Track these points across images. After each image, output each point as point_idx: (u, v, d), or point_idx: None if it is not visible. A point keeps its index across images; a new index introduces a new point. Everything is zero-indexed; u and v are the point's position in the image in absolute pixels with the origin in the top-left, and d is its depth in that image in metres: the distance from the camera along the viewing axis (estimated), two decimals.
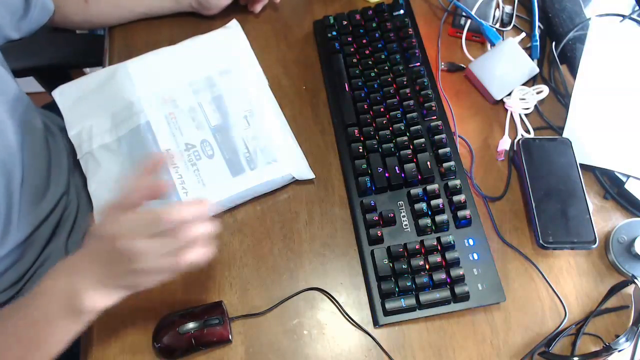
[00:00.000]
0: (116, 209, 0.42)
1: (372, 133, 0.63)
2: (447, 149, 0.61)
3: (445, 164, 0.61)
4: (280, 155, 0.61)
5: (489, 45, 0.72)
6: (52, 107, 0.65)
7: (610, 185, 0.63)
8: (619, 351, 0.52)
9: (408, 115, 0.64)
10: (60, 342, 0.45)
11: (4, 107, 0.58)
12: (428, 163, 0.61)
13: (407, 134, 0.63)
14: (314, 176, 0.62)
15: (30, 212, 0.62)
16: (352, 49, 0.69)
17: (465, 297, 0.55)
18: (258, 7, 0.73)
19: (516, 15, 0.73)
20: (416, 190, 0.59)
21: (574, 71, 0.69)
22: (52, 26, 0.71)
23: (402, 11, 0.71)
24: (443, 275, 0.55)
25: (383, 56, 0.67)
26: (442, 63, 0.71)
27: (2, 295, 0.61)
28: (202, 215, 0.42)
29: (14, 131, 0.59)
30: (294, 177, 0.61)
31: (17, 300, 0.46)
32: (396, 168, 0.61)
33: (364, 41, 0.69)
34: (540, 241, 0.58)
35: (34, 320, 0.45)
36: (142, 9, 0.71)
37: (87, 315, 0.44)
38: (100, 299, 0.43)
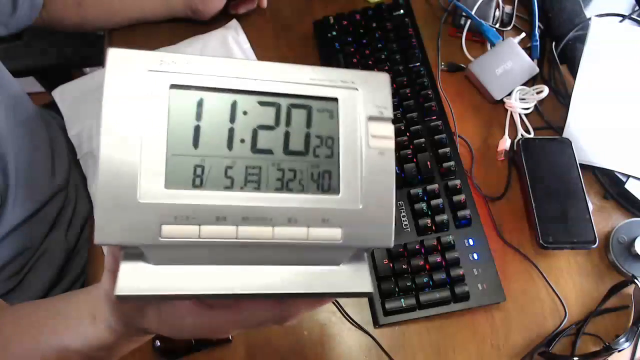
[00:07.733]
0: None
1: None
2: (447, 149, 0.61)
3: (445, 164, 0.61)
4: None
5: (489, 45, 0.72)
6: (51, 107, 0.64)
7: (611, 185, 0.63)
8: (619, 351, 0.52)
9: (408, 115, 0.64)
10: None
11: None
12: (428, 163, 0.60)
13: (407, 134, 0.63)
14: None
15: (28, 197, 0.61)
16: (352, 49, 0.69)
17: (465, 297, 0.55)
18: (241, 10, 0.72)
19: (516, 15, 0.73)
20: (416, 190, 0.59)
21: (574, 71, 0.69)
22: (44, 27, 0.71)
23: (402, 11, 0.71)
24: (443, 275, 0.55)
25: (383, 56, 0.67)
26: (442, 63, 0.71)
27: (2, 285, 0.62)
28: None
29: (2, 117, 0.58)
30: None
31: None
32: (396, 168, 0.61)
33: (364, 41, 0.69)
34: (541, 241, 0.58)
35: None
36: (135, 15, 0.71)
37: None
38: None
